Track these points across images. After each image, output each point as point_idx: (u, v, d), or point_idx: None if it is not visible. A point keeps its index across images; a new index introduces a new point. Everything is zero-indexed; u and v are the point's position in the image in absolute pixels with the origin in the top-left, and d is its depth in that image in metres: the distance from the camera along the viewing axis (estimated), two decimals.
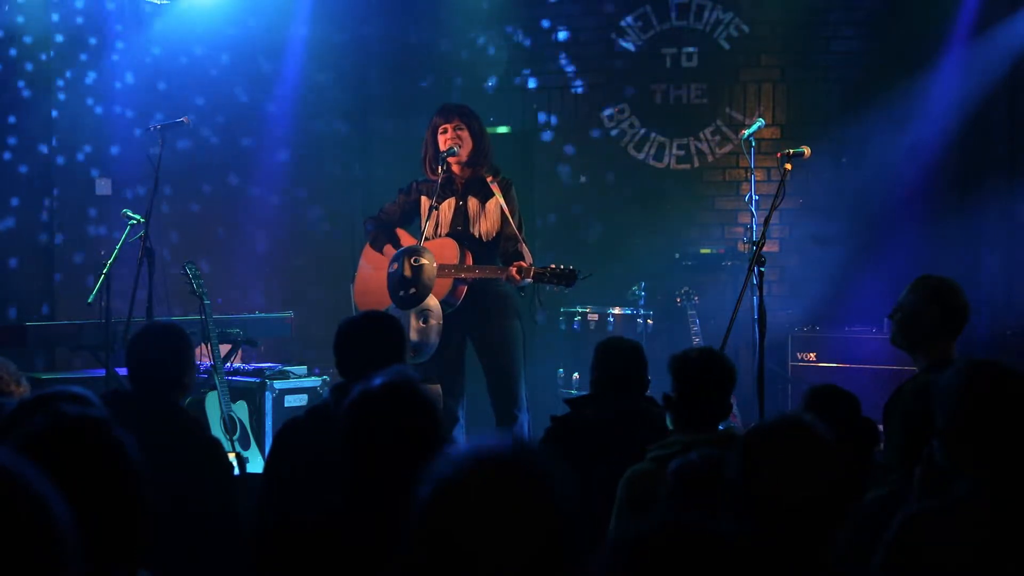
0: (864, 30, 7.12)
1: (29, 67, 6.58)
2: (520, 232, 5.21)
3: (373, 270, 5.36)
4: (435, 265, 5.07)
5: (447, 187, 5.29)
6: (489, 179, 5.29)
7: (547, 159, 7.63)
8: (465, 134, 5.28)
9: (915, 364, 3.56)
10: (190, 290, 5.50)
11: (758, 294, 4.66)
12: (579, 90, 7.60)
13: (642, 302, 6.60)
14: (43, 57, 6.62)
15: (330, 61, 7.69)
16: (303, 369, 6.23)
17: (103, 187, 6.84)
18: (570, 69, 7.60)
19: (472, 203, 5.28)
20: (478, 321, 5.22)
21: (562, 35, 7.61)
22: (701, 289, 6.65)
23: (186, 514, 3.04)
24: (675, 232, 7.26)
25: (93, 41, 6.81)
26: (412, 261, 5.04)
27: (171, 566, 2.50)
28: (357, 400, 2.34)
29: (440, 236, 5.26)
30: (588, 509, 3.08)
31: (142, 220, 5.32)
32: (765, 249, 4.62)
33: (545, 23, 7.63)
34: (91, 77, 6.79)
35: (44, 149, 6.64)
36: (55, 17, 6.65)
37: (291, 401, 5.95)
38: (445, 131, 5.28)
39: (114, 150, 6.85)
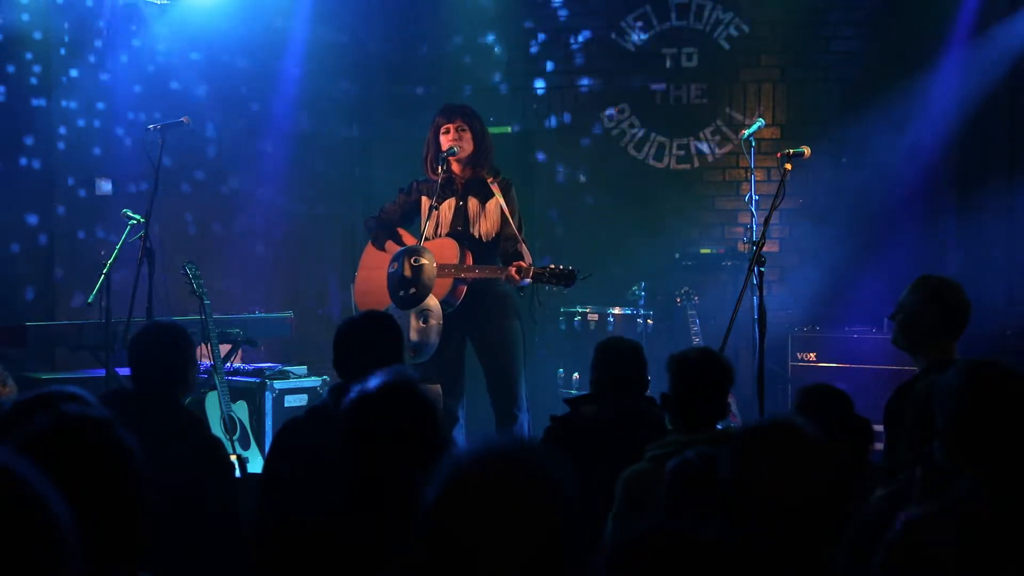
0: (864, 30, 7.12)
1: (29, 67, 6.57)
2: (520, 232, 5.21)
3: (373, 270, 5.36)
4: (435, 265, 5.07)
5: (447, 187, 5.29)
6: (489, 180, 5.30)
7: (547, 159, 7.63)
8: (467, 135, 5.29)
9: (916, 364, 3.55)
10: (190, 290, 5.51)
11: (758, 294, 4.66)
12: (579, 90, 7.60)
13: (642, 302, 6.60)
14: (42, 57, 6.62)
15: (331, 61, 7.69)
16: (303, 369, 6.23)
17: (103, 187, 6.83)
18: (570, 69, 7.60)
19: (472, 203, 5.29)
20: (478, 321, 5.23)
21: (562, 35, 7.61)
22: (701, 289, 6.64)
23: (187, 514, 3.04)
24: (675, 232, 7.26)
25: (93, 41, 6.81)
26: (412, 261, 5.04)
27: (171, 566, 2.49)
28: (357, 400, 2.34)
29: (440, 236, 5.27)
30: (588, 509, 3.09)
31: (142, 220, 5.32)
32: (765, 249, 4.62)
33: (545, 23, 7.63)
34: (91, 77, 6.78)
35: (44, 149, 6.63)
36: (54, 18, 6.65)
37: (291, 401, 5.95)
38: (447, 131, 5.29)
39: (114, 150, 6.85)
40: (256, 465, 5.30)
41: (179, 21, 7.05)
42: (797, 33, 7.20)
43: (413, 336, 5.06)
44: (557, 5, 7.59)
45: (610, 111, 7.50)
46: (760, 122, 5.61)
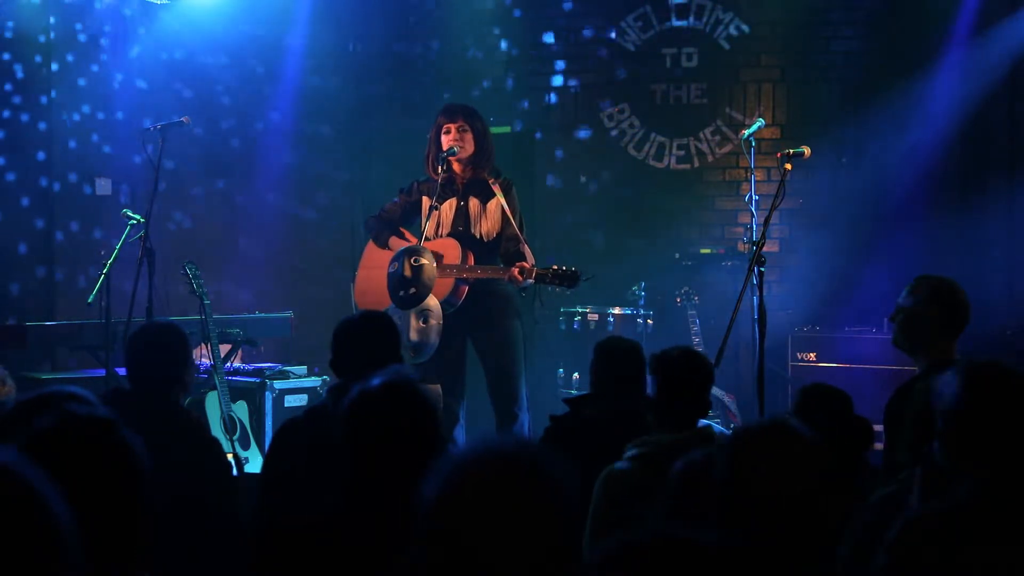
0: (864, 30, 7.12)
1: (29, 68, 6.57)
2: (521, 232, 5.21)
3: (373, 270, 5.36)
4: (435, 265, 5.07)
5: (448, 187, 5.29)
6: (490, 180, 5.29)
7: (547, 159, 7.63)
8: (468, 135, 5.28)
9: (916, 365, 3.55)
10: (190, 290, 5.51)
11: (758, 294, 4.66)
12: (579, 90, 7.60)
13: (642, 302, 6.60)
14: (42, 57, 6.62)
15: (329, 63, 7.69)
16: (303, 369, 6.23)
17: (103, 187, 6.83)
18: (570, 69, 7.60)
19: (473, 203, 5.28)
20: (479, 321, 5.22)
21: (562, 35, 7.61)
22: (701, 289, 6.64)
23: (186, 514, 3.04)
24: (675, 232, 7.26)
25: (93, 42, 6.81)
26: (412, 261, 5.04)
27: (171, 566, 2.50)
28: (356, 400, 2.33)
29: (441, 236, 5.27)
30: (587, 509, 3.09)
31: (142, 220, 5.32)
32: (765, 249, 4.62)
33: (545, 23, 7.63)
34: (91, 77, 6.78)
35: (44, 149, 6.63)
36: (53, 19, 6.65)
37: (291, 401, 5.95)
38: (448, 131, 5.28)
39: (114, 150, 6.84)
40: (256, 465, 5.30)
41: (179, 21, 7.05)
42: (797, 33, 7.20)
43: (413, 336, 5.06)
44: (557, 5, 7.59)
45: (609, 111, 7.50)
46: (760, 122, 5.60)
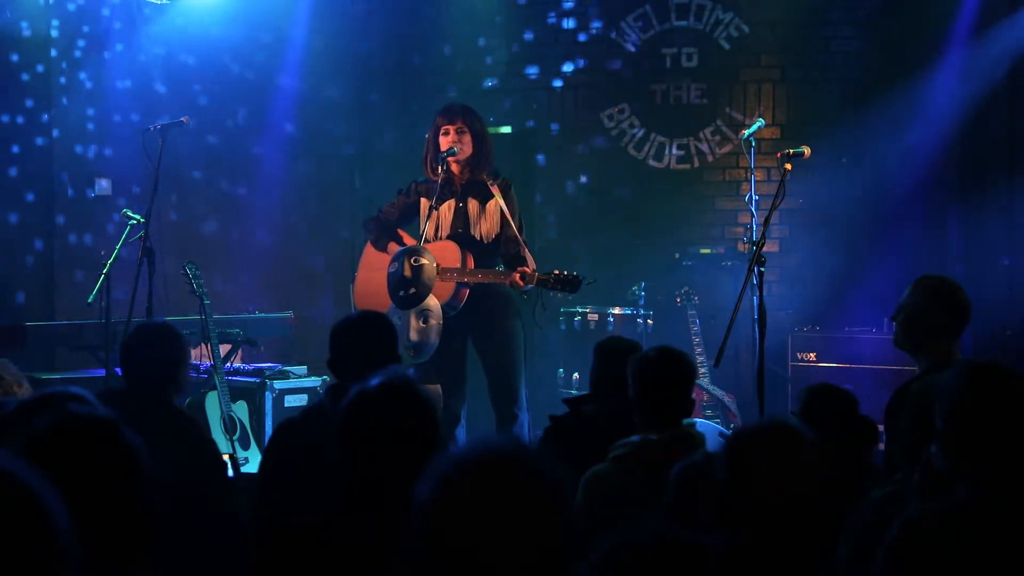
0: (864, 30, 7.12)
1: (29, 68, 6.57)
2: (521, 234, 5.21)
3: (373, 271, 5.36)
4: (435, 265, 5.07)
5: (447, 188, 5.29)
6: (489, 181, 5.29)
7: (547, 160, 7.63)
8: (467, 136, 5.27)
9: (917, 365, 3.55)
10: (190, 290, 5.50)
11: (758, 294, 4.65)
12: (579, 90, 7.59)
13: (642, 302, 6.59)
14: (42, 58, 6.62)
15: (329, 64, 7.69)
16: (303, 369, 6.23)
17: (103, 187, 6.83)
18: (570, 69, 7.60)
19: (472, 204, 5.28)
20: (479, 322, 5.22)
21: (562, 35, 7.60)
22: (701, 289, 6.64)
23: (184, 514, 3.03)
24: (675, 232, 7.26)
25: (93, 42, 6.81)
26: (412, 261, 5.04)
27: (170, 566, 2.49)
28: (355, 400, 2.33)
29: (440, 238, 5.26)
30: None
31: (142, 220, 5.32)
32: (765, 249, 4.61)
33: (545, 23, 7.63)
34: (91, 78, 6.78)
35: (44, 149, 6.63)
36: (54, 20, 6.65)
37: (291, 401, 5.95)
38: (447, 132, 5.27)
39: (114, 150, 6.84)
40: (256, 465, 5.30)
41: (178, 22, 7.05)
42: (797, 33, 7.20)
43: (413, 336, 5.06)
44: (557, 5, 7.59)
45: (609, 111, 7.49)
46: (760, 122, 5.61)
